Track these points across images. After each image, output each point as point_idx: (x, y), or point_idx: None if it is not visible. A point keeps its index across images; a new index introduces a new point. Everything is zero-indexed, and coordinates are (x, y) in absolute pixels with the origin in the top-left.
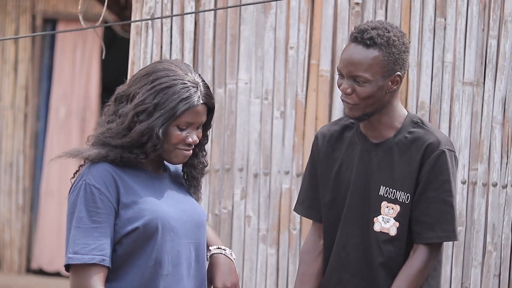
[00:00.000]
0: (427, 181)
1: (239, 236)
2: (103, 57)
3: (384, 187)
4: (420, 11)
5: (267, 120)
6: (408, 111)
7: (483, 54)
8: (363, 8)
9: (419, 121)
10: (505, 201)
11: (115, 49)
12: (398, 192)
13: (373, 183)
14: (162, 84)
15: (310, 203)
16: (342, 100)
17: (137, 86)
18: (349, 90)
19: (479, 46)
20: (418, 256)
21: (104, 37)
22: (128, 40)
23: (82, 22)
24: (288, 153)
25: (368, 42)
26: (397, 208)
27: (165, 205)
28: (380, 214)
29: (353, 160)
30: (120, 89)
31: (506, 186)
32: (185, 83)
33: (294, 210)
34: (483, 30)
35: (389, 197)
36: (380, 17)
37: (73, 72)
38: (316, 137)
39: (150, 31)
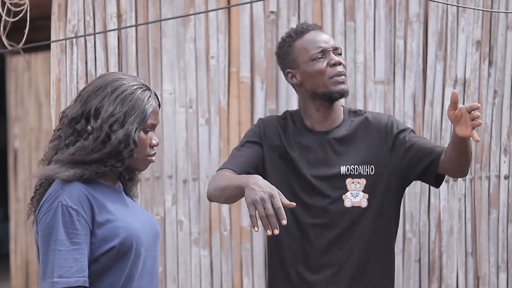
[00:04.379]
0: (401, 137)
1: (172, 240)
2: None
3: (345, 166)
4: (331, 16)
5: (192, 128)
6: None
7: (392, 54)
8: (277, 16)
9: (357, 110)
10: (420, 191)
11: None
12: (360, 167)
13: (332, 166)
14: (124, 92)
15: (237, 161)
16: (333, 76)
17: (96, 101)
18: (340, 61)
19: (388, 47)
20: None
21: None
22: None
23: (6, 43)
24: (215, 158)
25: (321, 28)
26: (363, 181)
27: (134, 221)
28: (348, 190)
29: (304, 151)
30: (71, 111)
31: None
32: (142, 87)
33: (218, 169)
34: (390, 31)
35: (353, 173)
36: (294, 23)
37: None
38: (261, 121)
39: (74, 48)
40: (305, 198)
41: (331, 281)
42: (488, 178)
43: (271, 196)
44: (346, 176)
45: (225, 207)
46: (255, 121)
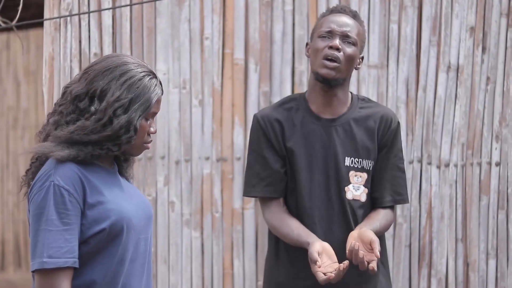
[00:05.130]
0: (387, 150)
1: (163, 221)
2: (23, 54)
3: (349, 158)
4: (326, 0)
5: (186, 108)
6: (351, 92)
7: (386, 38)
8: None
9: (365, 98)
10: (412, 176)
11: None
12: (364, 161)
13: (337, 156)
14: (132, 78)
15: (267, 181)
16: (325, 58)
17: (103, 82)
18: (340, 46)
19: (382, 31)
20: (387, 214)
21: None
22: None
23: None
24: (208, 139)
25: (353, 14)
26: (365, 175)
27: (126, 203)
28: (350, 183)
29: (310, 138)
30: (75, 87)
31: (412, 161)
32: (150, 75)
33: (246, 195)
34: (384, 15)
35: (356, 166)
36: (289, 6)
37: None
38: (257, 120)
39: (69, 26)
40: (309, 186)
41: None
42: (480, 164)
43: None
44: (349, 168)
45: (217, 188)
46: (249, 103)
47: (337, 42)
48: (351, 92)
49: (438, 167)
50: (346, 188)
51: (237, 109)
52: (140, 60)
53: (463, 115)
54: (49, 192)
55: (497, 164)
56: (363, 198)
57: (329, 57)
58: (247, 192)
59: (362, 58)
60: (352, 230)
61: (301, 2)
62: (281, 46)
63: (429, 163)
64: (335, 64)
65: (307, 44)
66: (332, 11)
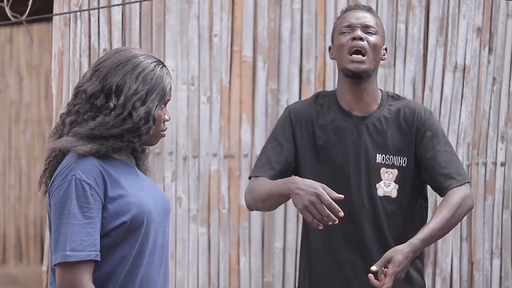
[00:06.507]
0: (429, 140)
1: (171, 217)
2: (33, 48)
3: (381, 155)
4: None
5: (194, 105)
6: (380, 89)
7: (393, 38)
8: None
9: (394, 95)
10: None
11: None
12: (394, 158)
13: (369, 153)
14: (145, 69)
15: (273, 166)
16: (351, 52)
17: (117, 77)
18: (362, 36)
19: (389, 30)
20: (454, 192)
21: None
22: None
23: (9, 15)
24: (215, 136)
25: (368, 8)
26: (395, 172)
27: (146, 196)
28: (381, 179)
29: (341, 135)
30: (89, 86)
31: None
32: (159, 64)
33: (251, 175)
34: (392, 15)
35: (387, 163)
36: (297, 4)
37: None
38: (289, 112)
39: (78, 21)
40: (340, 184)
41: (366, 262)
42: (485, 164)
43: (318, 195)
44: (381, 165)
45: (224, 185)
46: (256, 100)
47: (359, 32)
48: (380, 90)
49: None
50: (377, 185)
51: (245, 106)
52: (147, 50)
53: (469, 115)
54: (71, 186)
55: (502, 164)
56: (394, 194)
57: (355, 48)
58: (251, 173)
59: (386, 49)
60: (381, 227)
61: (310, 0)
62: (289, 44)
63: None
64: (361, 57)
65: (329, 48)
66: (346, 10)
